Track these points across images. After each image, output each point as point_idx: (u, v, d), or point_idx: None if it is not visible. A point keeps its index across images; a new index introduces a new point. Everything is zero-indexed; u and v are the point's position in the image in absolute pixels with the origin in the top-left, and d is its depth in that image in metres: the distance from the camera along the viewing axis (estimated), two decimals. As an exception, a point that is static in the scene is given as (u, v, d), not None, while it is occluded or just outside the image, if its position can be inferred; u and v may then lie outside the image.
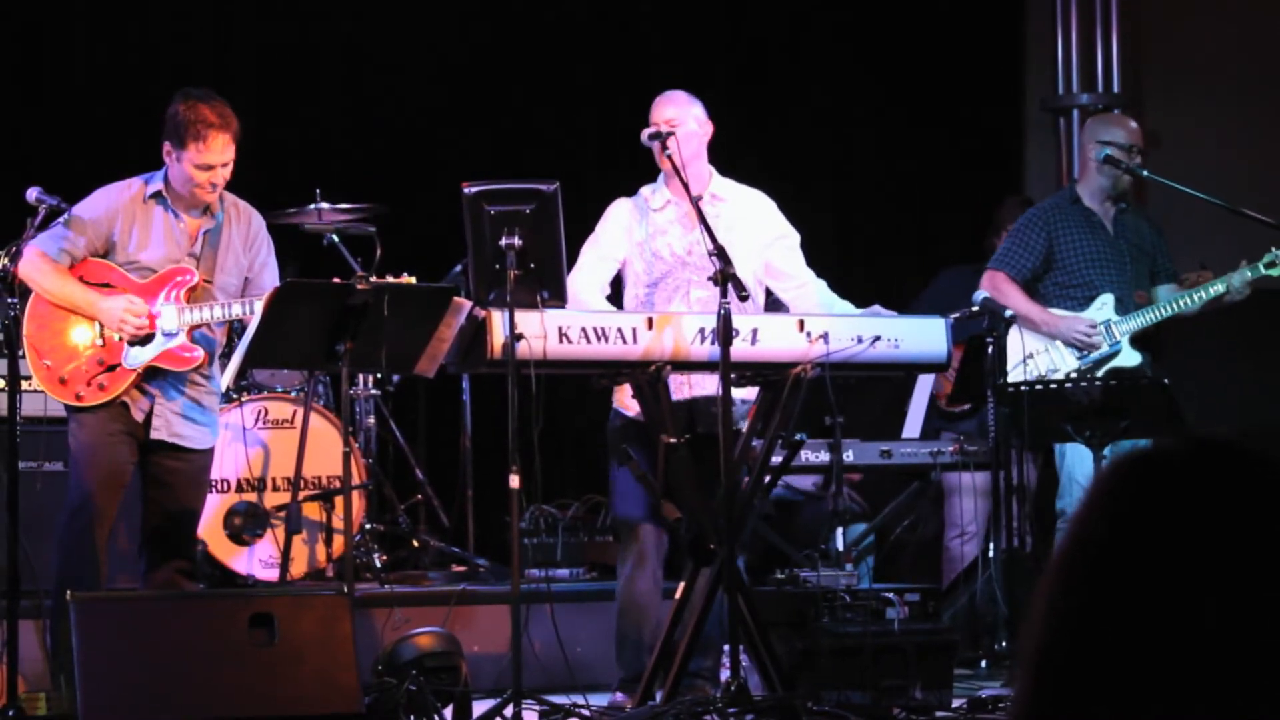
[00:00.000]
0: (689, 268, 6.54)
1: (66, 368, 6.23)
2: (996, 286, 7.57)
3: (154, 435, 6.26)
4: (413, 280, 6.39)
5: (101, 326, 6.24)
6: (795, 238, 6.74)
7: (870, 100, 10.17)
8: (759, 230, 6.66)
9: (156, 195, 6.29)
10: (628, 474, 6.40)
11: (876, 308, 6.59)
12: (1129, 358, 7.61)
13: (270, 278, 6.38)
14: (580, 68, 9.72)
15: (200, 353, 6.27)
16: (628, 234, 6.61)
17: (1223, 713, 1.40)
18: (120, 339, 6.23)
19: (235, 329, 6.51)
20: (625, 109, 7.40)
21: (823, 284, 6.71)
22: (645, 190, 6.69)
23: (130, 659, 5.53)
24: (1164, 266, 7.84)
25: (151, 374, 6.26)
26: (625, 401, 6.50)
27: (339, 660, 5.70)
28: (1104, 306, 7.64)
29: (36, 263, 6.15)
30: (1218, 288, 7.55)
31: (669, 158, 6.38)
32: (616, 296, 6.68)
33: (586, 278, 6.49)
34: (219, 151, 6.17)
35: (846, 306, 6.62)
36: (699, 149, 6.59)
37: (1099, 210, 7.77)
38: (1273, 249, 7.54)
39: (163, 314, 6.23)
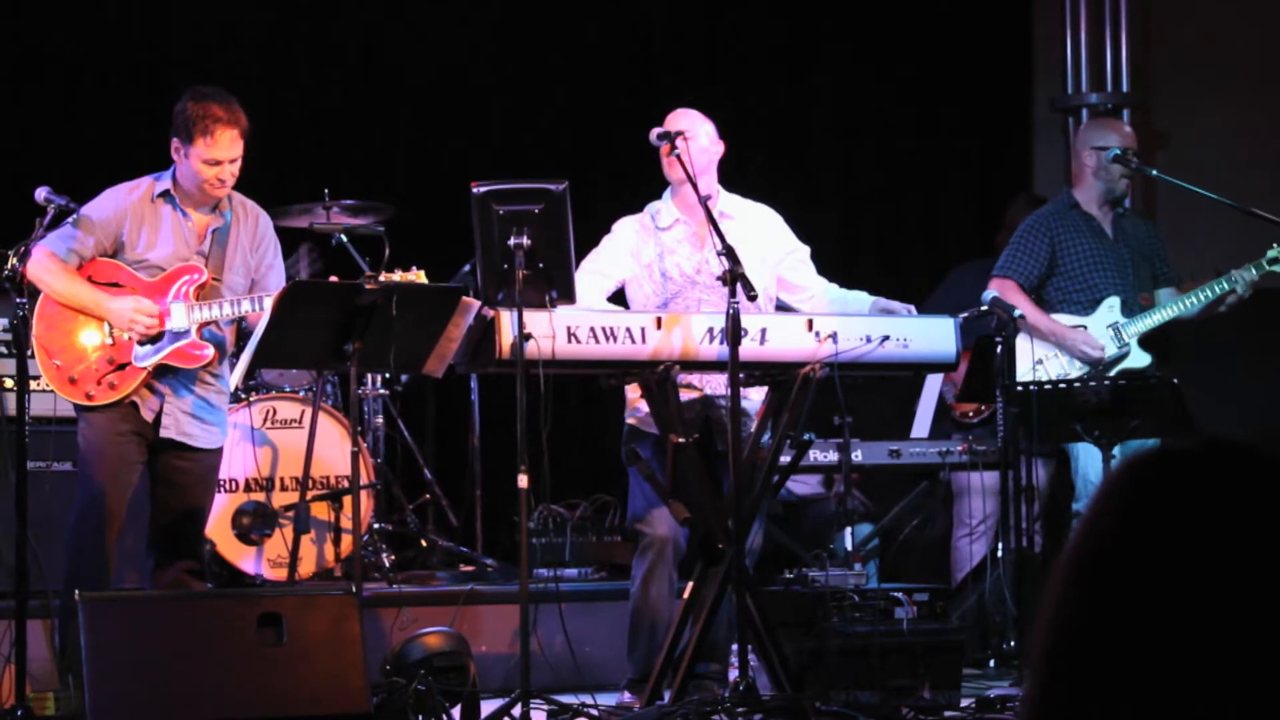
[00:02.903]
0: (698, 287, 6.55)
1: (77, 367, 6.23)
2: (1006, 294, 7.57)
3: (163, 434, 6.26)
4: (422, 274, 6.38)
5: (111, 325, 6.24)
6: (805, 250, 6.74)
7: (879, 101, 10.17)
8: (769, 247, 6.66)
9: (165, 194, 6.29)
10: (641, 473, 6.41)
11: (887, 301, 6.58)
12: (1138, 359, 7.61)
13: (276, 280, 6.37)
14: (588, 69, 9.72)
15: (211, 350, 6.27)
16: (634, 256, 6.61)
17: (1231, 711, 1.40)
18: (130, 339, 6.23)
19: (242, 330, 6.51)
20: (632, 109, 7.40)
21: (832, 286, 6.71)
22: (652, 208, 6.67)
23: (138, 659, 5.53)
24: (1162, 271, 7.85)
25: (161, 372, 6.26)
26: (632, 402, 6.50)
27: (347, 660, 5.70)
28: (1111, 309, 7.64)
29: (45, 263, 6.15)
30: (1222, 286, 7.54)
31: (677, 158, 6.38)
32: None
33: (581, 291, 6.44)
34: (226, 147, 6.17)
35: (860, 296, 6.63)
36: (708, 165, 6.58)
37: (1098, 214, 7.78)
38: (1275, 245, 7.54)
39: (172, 312, 6.23)
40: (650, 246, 6.61)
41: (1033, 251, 7.70)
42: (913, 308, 6.65)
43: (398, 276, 6.31)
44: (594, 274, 6.54)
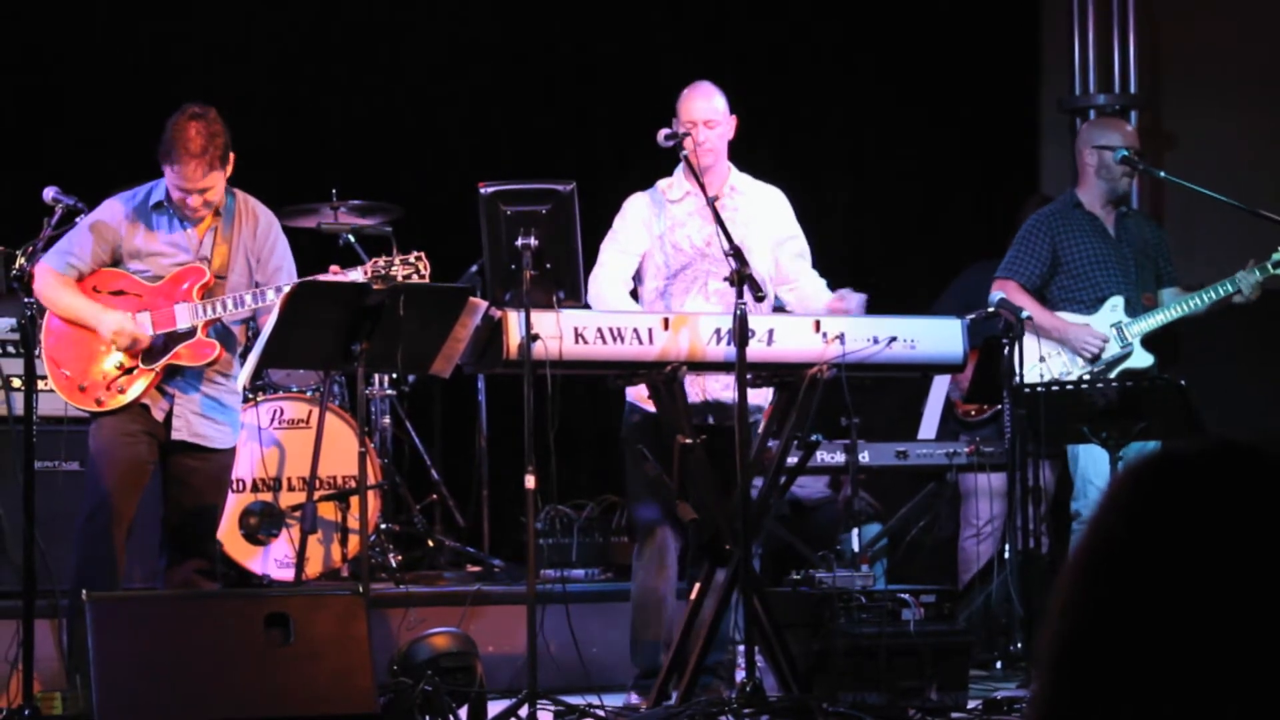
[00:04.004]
0: (708, 259, 6.53)
1: (86, 376, 6.24)
2: (1008, 296, 7.57)
3: (175, 436, 6.27)
4: (422, 255, 6.34)
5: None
6: (802, 242, 6.74)
7: (886, 101, 10.16)
8: (774, 227, 6.66)
9: (162, 203, 6.28)
10: (644, 471, 6.40)
11: (845, 291, 6.54)
12: (1141, 359, 7.61)
13: (286, 280, 6.32)
14: (594, 67, 9.72)
15: (217, 347, 6.27)
16: (647, 227, 6.61)
17: (1231, 711, 1.40)
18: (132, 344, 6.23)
19: (251, 330, 6.51)
20: (640, 108, 7.40)
21: (823, 285, 6.67)
22: (662, 184, 6.68)
23: (146, 659, 5.54)
24: (1166, 270, 7.84)
25: (170, 374, 6.27)
26: (641, 397, 6.49)
27: (354, 660, 5.71)
28: (1115, 309, 7.64)
29: (47, 280, 6.17)
30: (1226, 288, 7.54)
31: (685, 158, 6.38)
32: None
33: (610, 274, 6.49)
34: (190, 178, 6.13)
35: (819, 285, 6.58)
36: (725, 148, 6.60)
37: (1101, 214, 7.78)
38: None
39: (176, 313, 6.23)
40: (661, 219, 6.61)
41: (1034, 252, 7.71)
42: (863, 297, 6.58)
43: (398, 262, 6.29)
44: (618, 254, 6.55)
